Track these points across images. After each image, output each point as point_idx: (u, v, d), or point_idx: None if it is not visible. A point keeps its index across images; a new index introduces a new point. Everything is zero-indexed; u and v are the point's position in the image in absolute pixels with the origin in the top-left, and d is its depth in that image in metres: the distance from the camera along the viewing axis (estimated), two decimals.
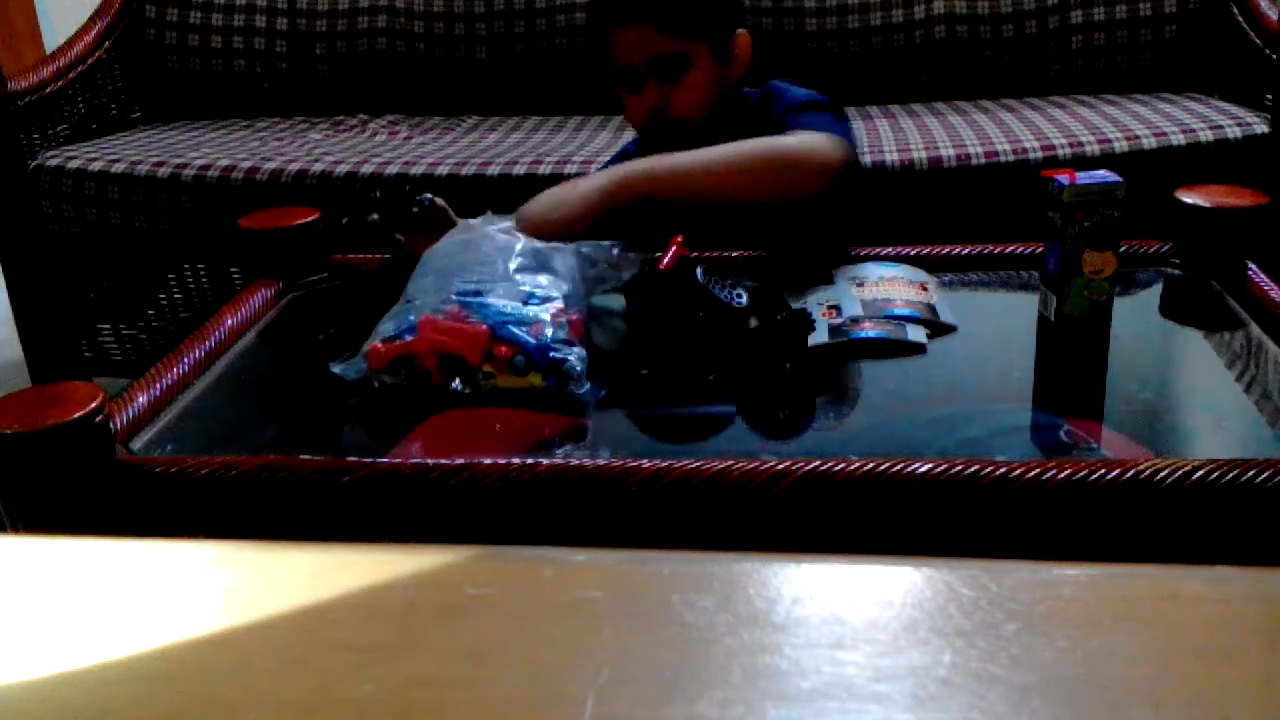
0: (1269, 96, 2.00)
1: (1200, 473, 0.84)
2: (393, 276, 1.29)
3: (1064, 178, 1.15)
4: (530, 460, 0.92)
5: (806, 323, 1.15)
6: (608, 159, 1.80)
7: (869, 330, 1.18)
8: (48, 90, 2.33)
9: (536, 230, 1.30)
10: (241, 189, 2.08)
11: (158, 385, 1.12)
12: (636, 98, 1.49)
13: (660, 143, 1.46)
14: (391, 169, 2.05)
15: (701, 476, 0.88)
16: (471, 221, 1.31)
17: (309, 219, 1.46)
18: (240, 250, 1.64)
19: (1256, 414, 1.11)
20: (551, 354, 1.09)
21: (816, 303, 1.25)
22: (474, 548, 0.49)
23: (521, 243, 1.25)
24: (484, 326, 1.11)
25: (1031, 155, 1.90)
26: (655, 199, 1.35)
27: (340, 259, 1.49)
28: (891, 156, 1.93)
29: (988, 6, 2.36)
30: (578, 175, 1.95)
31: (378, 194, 1.40)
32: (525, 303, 1.16)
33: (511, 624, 0.44)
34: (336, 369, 1.12)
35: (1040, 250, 1.22)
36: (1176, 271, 1.36)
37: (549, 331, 1.12)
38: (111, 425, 0.97)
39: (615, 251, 1.29)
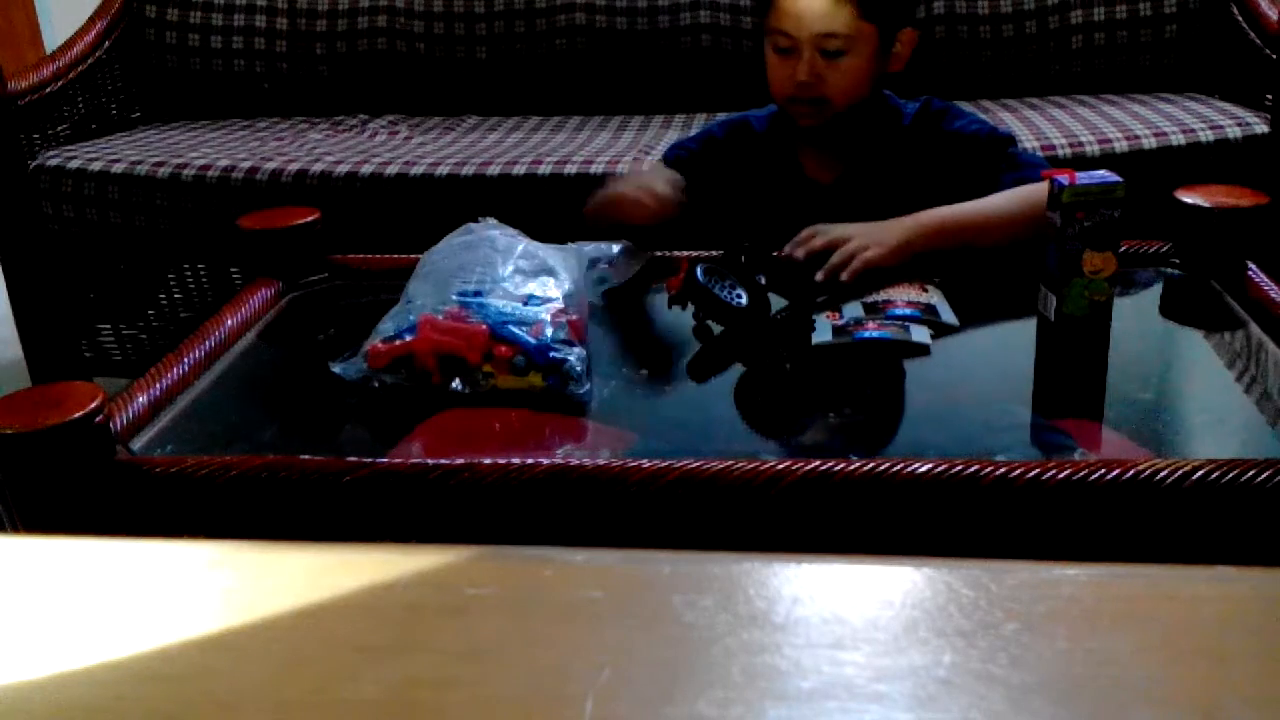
0: (1269, 96, 2.00)
1: (1200, 473, 0.84)
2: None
3: (1064, 178, 1.15)
4: (530, 460, 0.92)
5: (807, 323, 1.15)
6: (623, 153, 1.78)
7: (873, 330, 1.18)
8: (48, 90, 2.32)
9: (854, 246, 1.29)
10: (241, 189, 2.08)
11: (158, 385, 1.12)
12: (787, 64, 1.42)
13: (797, 118, 1.44)
14: (391, 169, 2.05)
15: (701, 476, 0.88)
16: (472, 226, 1.31)
17: (309, 219, 1.46)
18: (240, 250, 1.65)
19: (1256, 414, 1.11)
20: (551, 354, 1.09)
21: (818, 305, 1.24)
22: (474, 548, 0.49)
23: (522, 244, 1.25)
24: (484, 326, 1.11)
25: None
26: (944, 249, 1.34)
27: (340, 259, 1.49)
28: None
29: (988, 6, 2.36)
30: (578, 175, 1.95)
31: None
32: (525, 303, 1.16)
33: (511, 624, 0.44)
34: (336, 369, 1.12)
35: (1040, 250, 1.22)
36: (1176, 271, 1.36)
37: (549, 331, 1.12)
38: (111, 425, 0.97)
39: (615, 251, 1.29)
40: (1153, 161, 1.89)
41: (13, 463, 0.92)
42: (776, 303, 1.25)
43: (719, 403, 1.16)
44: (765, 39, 1.45)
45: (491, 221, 1.31)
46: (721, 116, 1.65)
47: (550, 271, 1.22)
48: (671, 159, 1.57)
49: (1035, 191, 1.36)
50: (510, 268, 1.21)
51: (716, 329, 1.22)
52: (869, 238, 1.31)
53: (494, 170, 2.02)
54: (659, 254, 1.38)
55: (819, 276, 1.29)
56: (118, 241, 2.18)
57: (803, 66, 1.40)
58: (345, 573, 0.48)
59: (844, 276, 1.28)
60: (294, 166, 2.08)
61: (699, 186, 1.45)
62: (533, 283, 1.20)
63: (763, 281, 1.23)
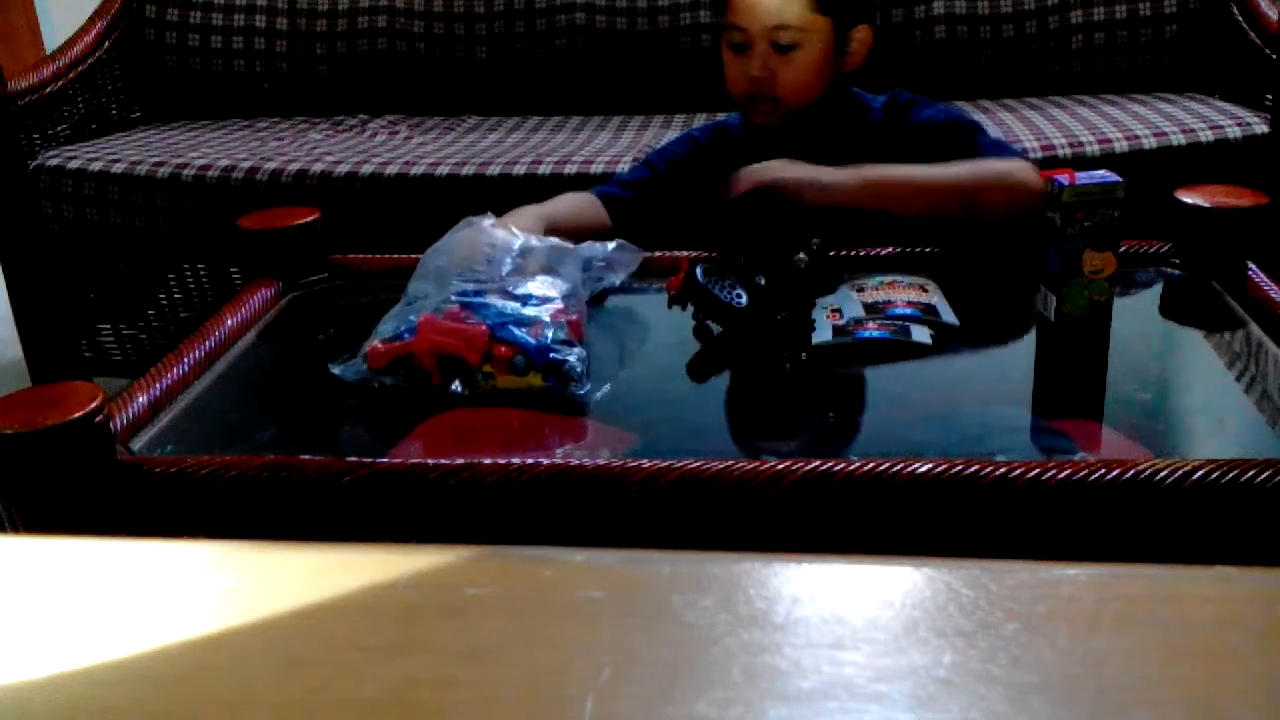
0: (1269, 96, 2.00)
1: (1200, 473, 0.84)
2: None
3: (1064, 178, 1.15)
4: (530, 460, 0.92)
5: (807, 323, 1.15)
6: (623, 153, 1.78)
7: (874, 330, 1.18)
8: (48, 90, 2.32)
9: (797, 185, 1.31)
10: (241, 189, 2.07)
11: (158, 385, 1.12)
12: (742, 61, 1.43)
13: (753, 116, 1.44)
14: (391, 169, 2.05)
15: (701, 476, 0.88)
16: (472, 220, 1.31)
17: (309, 219, 1.46)
18: (240, 250, 1.65)
19: (1256, 414, 1.11)
20: (551, 354, 1.09)
21: (819, 306, 1.24)
22: (474, 548, 0.49)
23: (521, 243, 1.25)
24: (484, 327, 1.11)
25: (1031, 155, 1.90)
26: (891, 212, 1.35)
27: (340, 259, 1.49)
28: None
29: (988, 6, 2.36)
30: (577, 175, 1.95)
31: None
32: (525, 303, 1.16)
33: (511, 624, 0.44)
34: (336, 370, 1.12)
35: (1040, 250, 1.22)
36: (1176, 271, 1.36)
37: (549, 332, 1.12)
38: (111, 425, 0.97)
39: (613, 251, 1.29)
40: (1153, 161, 1.89)
41: (13, 463, 0.92)
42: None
43: (719, 403, 1.16)
44: (721, 37, 1.46)
45: (490, 216, 1.31)
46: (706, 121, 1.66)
47: (549, 271, 1.22)
48: (658, 163, 1.57)
49: (981, 166, 1.38)
50: (510, 267, 1.21)
51: (716, 329, 1.22)
52: (805, 169, 1.34)
53: (494, 170, 2.02)
54: (656, 254, 1.38)
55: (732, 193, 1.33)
56: (118, 241, 2.18)
57: (755, 61, 1.41)
58: (345, 573, 0.48)
59: (739, 186, 1.32)
60: (294, 166, 2.08)
61: (686, 189, 1.47)
62: (532, 283, 1.20)
63: (762, 282, 1.23)
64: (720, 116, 1.61)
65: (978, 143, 1.44)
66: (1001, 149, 1.45)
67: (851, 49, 1.46)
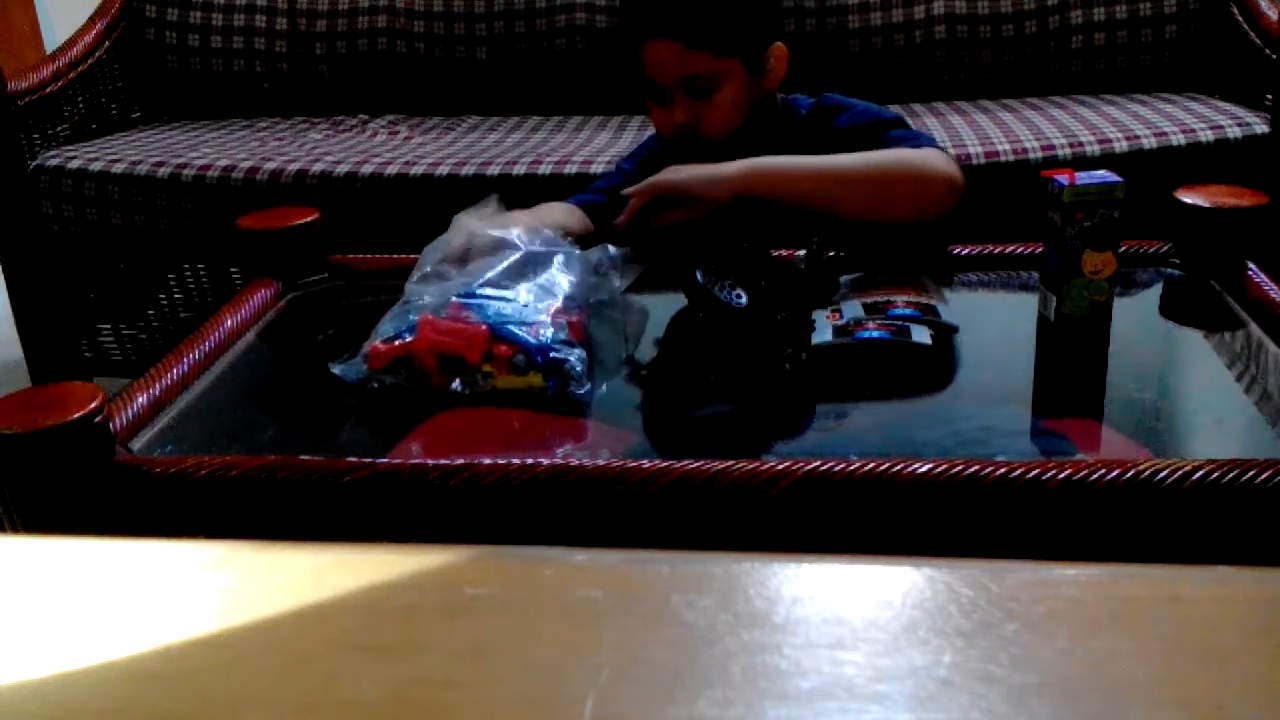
0: (1269, 96, 2.00)
1: (1200, 473, 0.84)
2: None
3: (1064, 178, 1.15)
4: (530, 460, 0.92)
5: (807, 323, 1.15)
6: (624, 153, 1.78)
7: (873, 330, 1.18)
8: (48, 90, 2.32)
9: (686, 184, 1.32)
10: (241, 189, 2.08)
11: (158, 385, 1.12)
12: (666, 111, 1.45)
13: (688, 156, 1.44)
14: (391, 169, 2.05)
15: (701, 476, 0.88)
16: (472, 213, 1.30)
17: (309, 219, 1.46)
18: (240, 250, 1.64)
19: (1256, 414, 1.11)
20: (552, 354, 1.09)
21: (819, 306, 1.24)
22: (474, 548, 0.49)
23: (521, 242, 1.25)
24: (484, 326, 1.11)
25: (1031, 155, 1.90)
26: (782, 201, 1.34)
27: (340, 259, 1.49)
28: None
29: (988, 6, 2.36)
30: (577, 175, 1.95)
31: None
32: (525, 303, 1.16)
33: (512, 624, 0.44)
34: (336, 370, 1.12)
35: (1040, 250, 1.22)
36: (1176, 271, 1.36)
37: (549, 331, 1.12)
38: (111, 425, 0.97)
39: (618, 256, 1.29)
40: (1153, 161, 1.89)
41: (13, 463, 0.92)
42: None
43: (719, 403, 1.16)
44: (643, 98, 1.47)
45: (494, 199, 1.30)
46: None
47: (550, 271, 1.22)
48: (629, 167, 1.58)
49: (903, 159, 1.35)
50: (510, 267, 1.21)
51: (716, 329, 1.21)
52: (696, 170, 1.34)
53: (494, 170, 2.02)
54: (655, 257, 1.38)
55: (617, 222, 1.36)
56: (118, 241, 2.18)
57: (678, 111, 1.42)
58: (345, 573, 0.48)
59: (632, 204, 1.34)
60: (294, 166, 2.08)
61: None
62: (533, 282, 1.20)
63: (762, 282, 1.23)
64: None
65: (887, 136, 1.42)
66: (913, 139, 1.42)
67: (770, 67, 1.46)
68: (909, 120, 1.52)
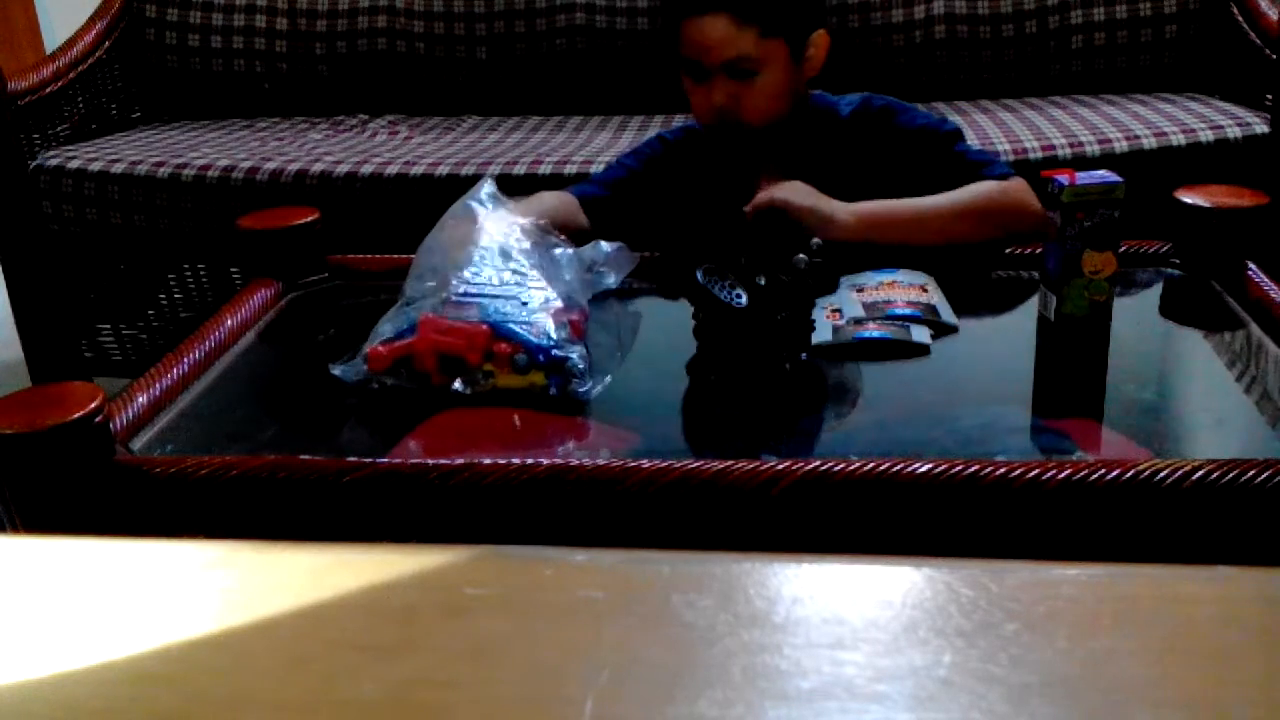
0: (1269, 96, 2.00)
1: (1200, 473, 0.84)
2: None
3: (1064, 178, 1.15)
4: (530, 460, 0.92)
5: (807, 323, 1.15)
6: (625, 150, 1.77)
7: (873, 330, 1.18)
8: (48, 90, 2.32)
9: (800, 212, 1.31)
10: (241, 189, 2.07)
11: (158, 385, 1.12)
12: (703, 91, 1.41)
13: (726, 142, 1.43)
14: (391, 169, 2.05)
15: (701, 476, 0.88)
16: (457, 212, 1.30)
17: (309, 219, 1.46)
18: (240, 250, 1.65)
19: (1256, 414, 1.11)
20: (554, 352, 1.09)
21: (819, 306, 1.24)
22: (474, 548, 0.49)
23: (521, 242, 1.25)
24: (484, 326, 1.11)
25: (1031, 155, 1.90)
26: (891, 244, 1.35)
27: (340, 259, 1.49)
28: None
29: (988, 6, 2.36)
30: (578, 175, 1.95)
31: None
32: (525, 302, 1.16)
33: (512, 624, 0.44)
34: (337, 370, 1.12)
35: (1040, 250, 1.22)
36: (1176, 271, 1.36)
37: (550, 330, 1.12)
38: (111, 425, 0.97)
39: (612, 252, 1.29)
40: (1153, 161, 1.89)
41: (13, 463, 0.92)
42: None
43: (719, 403, 1.16)
44: (679, 76, 1.44)
45: (488, 185, 1.30)
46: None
47: (550, 271, 1.22)
48: (633, 163, 1.57)
49: (979, 192, 1.37)
50: (510, 267, 1.21)
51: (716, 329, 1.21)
52: (810, 194, 1.34)
53: (494, 170, 2.01)
54: (653, 254, 1.38)
55: (746, 208, 1.35)
56: (118, 241, 2.18)
57: (718, 93, 1.39)
58: (345, 573, 0.48)
59: (747, 208, 1.33)
60: (294, 166, 2.08)
61: (653, 190, 1.48)
62: (533, 282, 1.20)
63: (762, 282, 1.23)
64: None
65: (959, 152, 1.43)
66: (987, 161, 1.44)
67: (810, 55, 1.44)
68: None
